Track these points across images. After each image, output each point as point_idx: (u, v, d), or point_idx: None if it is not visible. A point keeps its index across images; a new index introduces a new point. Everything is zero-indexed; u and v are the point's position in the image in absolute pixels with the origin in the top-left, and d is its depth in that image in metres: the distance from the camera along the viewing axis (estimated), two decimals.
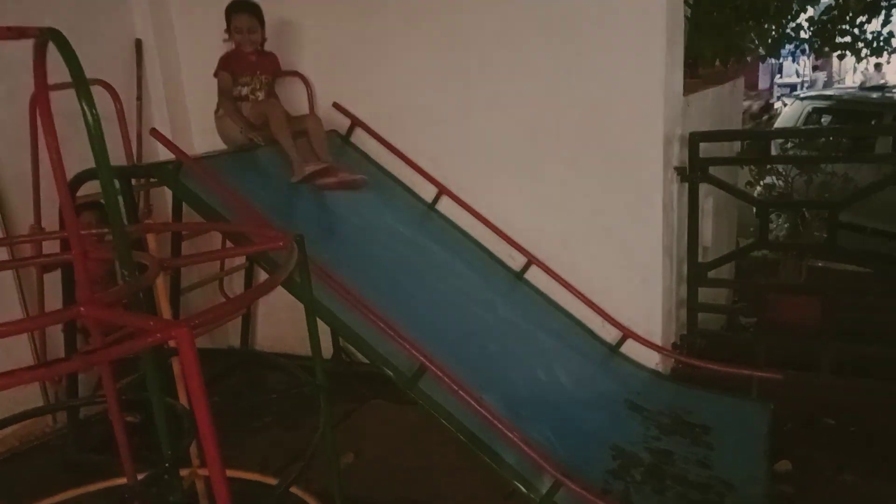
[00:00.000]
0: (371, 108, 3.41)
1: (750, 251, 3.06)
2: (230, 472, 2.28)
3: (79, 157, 2.96)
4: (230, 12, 3.08)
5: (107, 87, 2.48)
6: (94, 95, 2.31)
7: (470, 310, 2.84)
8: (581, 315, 3.18)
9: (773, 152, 3.63)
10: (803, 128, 5.42)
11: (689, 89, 3.48)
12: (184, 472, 2.21)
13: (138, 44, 3.78)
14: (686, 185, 3.11)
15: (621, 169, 2.98)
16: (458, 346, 2.56)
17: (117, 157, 3.05)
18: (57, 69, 2.99)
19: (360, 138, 3.45)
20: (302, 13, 3.42)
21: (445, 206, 3.35)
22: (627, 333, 3.07)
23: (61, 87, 2.65)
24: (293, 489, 2.11)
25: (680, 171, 3.09)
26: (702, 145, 3.06)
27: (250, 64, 3.10)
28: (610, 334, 3.15)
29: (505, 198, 3.24)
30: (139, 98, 3.77)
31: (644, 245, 3.02)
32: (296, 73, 3.44)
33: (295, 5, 3.40)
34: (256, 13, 3.09)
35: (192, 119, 3.85)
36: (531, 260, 3.20)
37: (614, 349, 3.11)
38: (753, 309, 3.34)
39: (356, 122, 3.41)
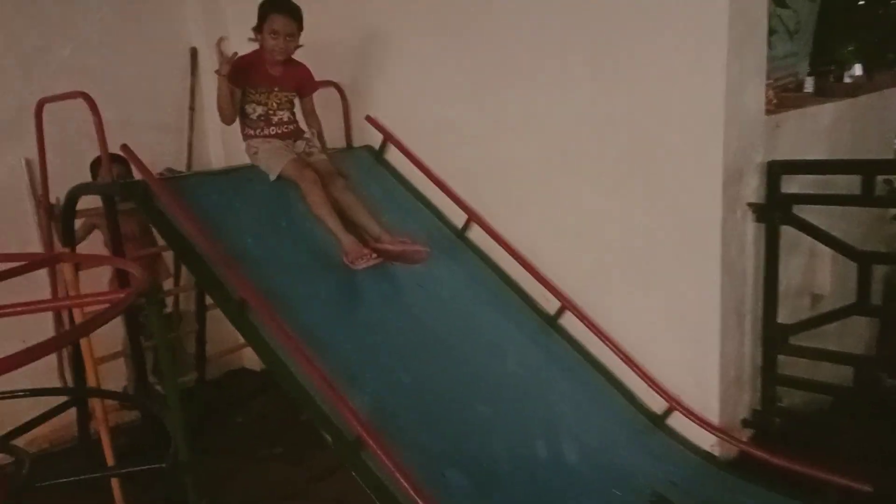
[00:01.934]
0: (404, 122, 3.11)
1: (837, 318, 2.36)
2: None
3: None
4: (267, 10, 2.59)
5: (86, 98, 2.39)
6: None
7: (471, 362, 2.43)
8: (624, 375, 2.65)
9: None
10: None
11: (787, 104, 2.82)
12: None
13: (193, 52, 3.76)
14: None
15: (671, 203, 2.42)
16: (438, 407, 2.18)
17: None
18: (53, 78, 2.97)
19: (393, 154, 3.15)
20: (336, 17, 3.18)
21: (477, 235, 2.96)
22: (672, 404, 2.51)
23: (62, 97, 2.65)
24: None
25: (756, 208, 2.47)
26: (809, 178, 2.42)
27: (270, 77, 2.69)
28: (658, 402, 2.60)
29: (540, 229, 2.79)
30: (192, 108, 3.76)
31: (697, 297, 2.44)
32: (330, 83, 3.21)
33: (329, 8, 3.17)
34: (298, 17, 2.63)
35: None
36: (565, 304, 2.72)
37: (658, 422, 2.55)
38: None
39: (388, 138, 3.12)
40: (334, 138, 3.26)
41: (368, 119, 3.15)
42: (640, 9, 2.35)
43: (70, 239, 2.60)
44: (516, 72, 2.70)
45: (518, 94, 2.72)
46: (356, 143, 3.27)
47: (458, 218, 2.99)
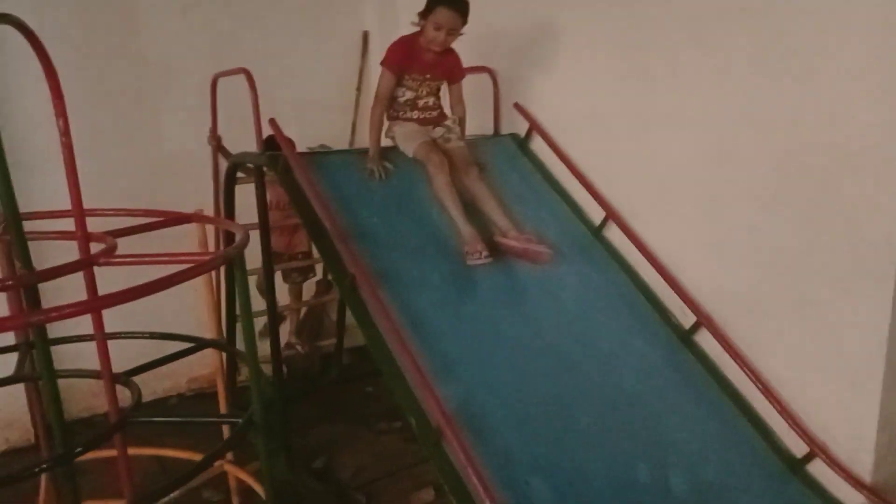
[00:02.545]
0: (553, 111, 3.00)
1: None
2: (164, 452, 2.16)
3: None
4: (437, 2, 2.54)
5: (247, 74, 2.57)
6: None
7: (582, 369, 2.28)
8: (762, 408, 2.35)
9: None
10: None
11: None
12: (217, 465, 2.21)
13: (365, 36, 3.92)
14: None
15: (838, 220, 2.08)
16: (535, 410, 2.07)
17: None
18: (239, 58, 3.19)
19: (538, 143, 3.06)
20: (497, 4, 3.13)
21: (614, 235, 2.78)
22: (815, 449, 2.17)
23: (230, 73, 2.88)
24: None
25: None
26: None
27: (424, 63, 2.64)
28: (799, 445, 2.27)
29: (683, 235, 2.55)
30: (358, 88, 3.93)
31: (861, 332, 2.08)
32: (484, 69, 3.18)
33: None
34: (465, 13, 2.57)
35: None
36: (701, 320, 2.46)
37: (795, 467, 2.23)
38: None
39: (534, 127, 3.02)
40: (484, 124, 3.24)
41: (516, 106, 3.09)
42: None
43: (229, 202, 2.85)
44: (672, 62, 2.48)
45: (672, 86, 2.49)
46: (505, 130, 3.22)
47: (596, 215, 2.83)
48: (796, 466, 2.23)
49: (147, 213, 1.93)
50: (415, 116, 2.74)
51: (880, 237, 1.99)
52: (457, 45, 2.81)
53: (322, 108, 3.87)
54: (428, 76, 2.69)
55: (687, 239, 2.53)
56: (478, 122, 3.24)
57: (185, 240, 3.26)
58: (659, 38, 2.50)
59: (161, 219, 1.89)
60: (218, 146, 3.07)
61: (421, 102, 2.75)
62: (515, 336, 2.28)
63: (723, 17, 2.30)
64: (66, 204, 1.56)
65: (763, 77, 2.22)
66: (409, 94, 2.72)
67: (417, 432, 1.89)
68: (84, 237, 1.63)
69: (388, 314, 1.99)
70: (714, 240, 2.44)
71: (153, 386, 3.52)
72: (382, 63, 2.66)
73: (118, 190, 3.38)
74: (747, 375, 2.33)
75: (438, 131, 2.76)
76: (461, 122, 2.84)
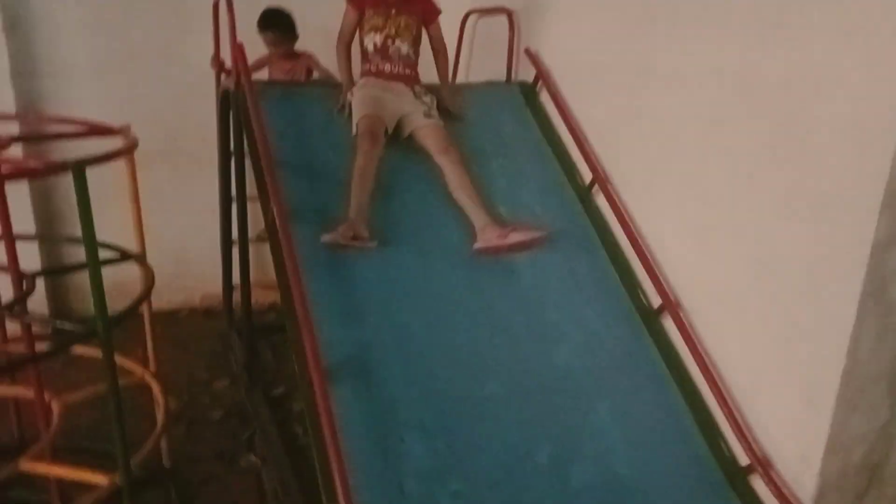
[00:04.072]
0: (562, 59, 2.78)
1: None
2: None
3: None
4: None
5: (508, 14, 2.61)
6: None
7: (511, 334, 2.12)
8: (712, 406, 2.10)
9: None
10: None
11: None
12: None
13: None
14: None
15: (816, 212, 1.78)
16: (437, 367, 1.96)
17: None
18: None
19: (545, 94, 2.84)
20: None
21: (602, 199, 2.55)
22: (755, 463, 1.92)
23: None
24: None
25: None
26: None
27: (389, 1, 2.48)
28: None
29: (665, 208, 2.30)
30: None
31: (818, 343, 1.79)
32: (502, 10, 2.97)
33: None
34: None
35: None
36: (666, 304, 2.22)
37: (735, 478, 1.99)
38: None
39: (542, 76, 2.81)
40: (499, 70, 3.06)
41: (527, 52, 2.87)
42: None
43: (222, 127, 2.92)
44: (674, 14, 2.19)
45: (674, 40, 2.22)
46: (522, 77, 3.01)
47: (589, 177, 2.60)
48: (736, 477, 2.00)
49: (68, 121, 1.99)
50: (386, 69, 2.51)
51: (850, 238, 1.68)
52: None
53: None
54: (393, 11, 2.48)
55: (670, 213, 2.28)
56: (494, 68, 3.06)
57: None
58: None
59: (83, 129, 1.93)
60: (220, 71, 3.11)
61: (392, 49, 2.51)
62: (449, 292, 2.17)
63: None
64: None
65: (755, 37, 1.91)
66: (378, 39, 2.50)
67: (298, 375, 1.86)
68: None
69: (291, 252, 1.93)
70: (691, 217, 2.18)
71: (168, 297, 3.71)
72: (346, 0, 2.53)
73: (147, 107, 3.53)
74: (701, 371, 2.10)
75: (417, 106, 2.50)
76: (444, 66, 2.66)
